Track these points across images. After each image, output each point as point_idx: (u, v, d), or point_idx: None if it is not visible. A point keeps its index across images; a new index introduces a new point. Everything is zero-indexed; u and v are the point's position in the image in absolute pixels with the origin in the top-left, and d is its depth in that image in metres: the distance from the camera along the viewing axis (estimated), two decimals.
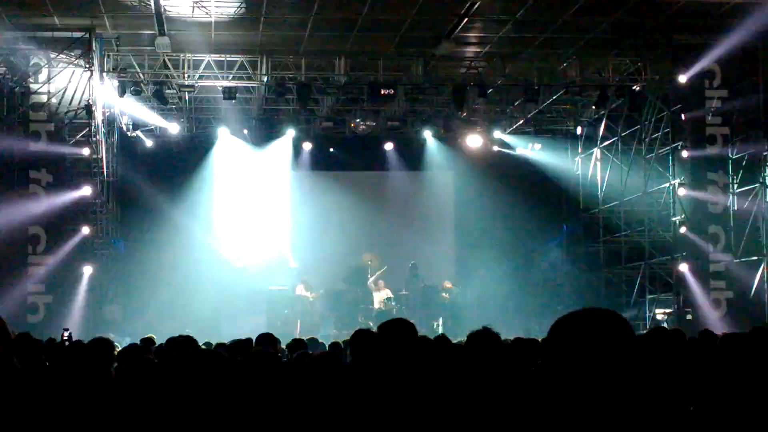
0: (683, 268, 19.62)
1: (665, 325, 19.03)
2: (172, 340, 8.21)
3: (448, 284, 22.80)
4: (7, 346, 2.13)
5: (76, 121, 18.97)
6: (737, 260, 19.33)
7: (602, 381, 2.35)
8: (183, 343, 7.74)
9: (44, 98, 18.88)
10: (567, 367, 2.38)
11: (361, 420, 4.65)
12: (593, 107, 22.62)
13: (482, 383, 5.95)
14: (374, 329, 5.23)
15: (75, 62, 18.79)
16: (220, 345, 9.44)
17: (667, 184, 20.83)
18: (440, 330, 19.85)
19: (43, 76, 18.95)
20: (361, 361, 6.68)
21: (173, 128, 23.01)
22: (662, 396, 4.35)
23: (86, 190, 18.94)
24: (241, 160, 24.17)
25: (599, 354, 2.37)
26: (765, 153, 19.37)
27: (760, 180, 19.31)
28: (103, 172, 20.04)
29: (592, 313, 2.48)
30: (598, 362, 2.36)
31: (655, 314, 21.00)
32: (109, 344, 5.88)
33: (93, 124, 19.01)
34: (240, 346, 8.22)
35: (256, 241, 24.08)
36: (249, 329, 14.54)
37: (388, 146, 24.86)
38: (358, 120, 23.26)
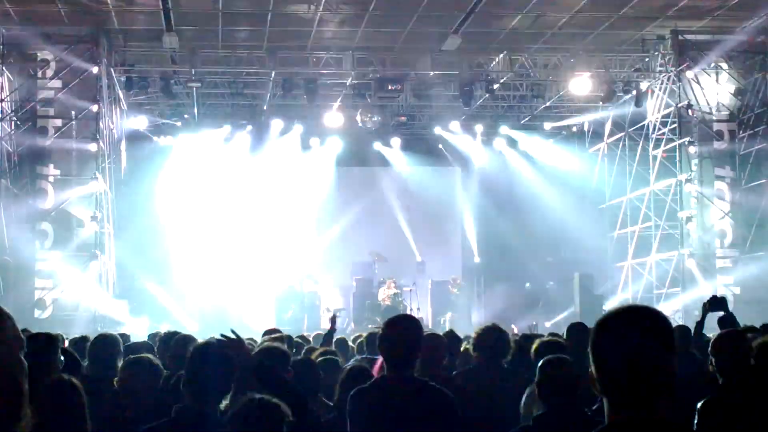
0: (690, 264, 19.57)
1: (680, 320, 18.91)
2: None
3: (456, 279, 22.79)
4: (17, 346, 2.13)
5: (83, 117, 18.99)
6: (745, 256, 19.29)
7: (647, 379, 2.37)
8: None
9: (52, 93, 18.89)
10: (610, 365, 2.40)
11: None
12: (600, 103, 22.55)
13: (492, 379, 5.97)
14: (381, 324, 5.24)
15: (83, 57, 18.80)
16: None
17: (674, 180, 20.75)
18: (447, 326, 19.85)
19: (50, 71, 18.96)
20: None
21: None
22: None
23: (93, 186, 18.91)
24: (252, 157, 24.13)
25: (648, 352, 2.39)
26: None
27: None
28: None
29: (634, 310, 2.48)
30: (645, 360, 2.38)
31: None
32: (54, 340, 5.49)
33: (100, 119, 19.01)
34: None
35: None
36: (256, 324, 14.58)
37: (395, 142, 24.87)
38: (369, 116, 23.16)
